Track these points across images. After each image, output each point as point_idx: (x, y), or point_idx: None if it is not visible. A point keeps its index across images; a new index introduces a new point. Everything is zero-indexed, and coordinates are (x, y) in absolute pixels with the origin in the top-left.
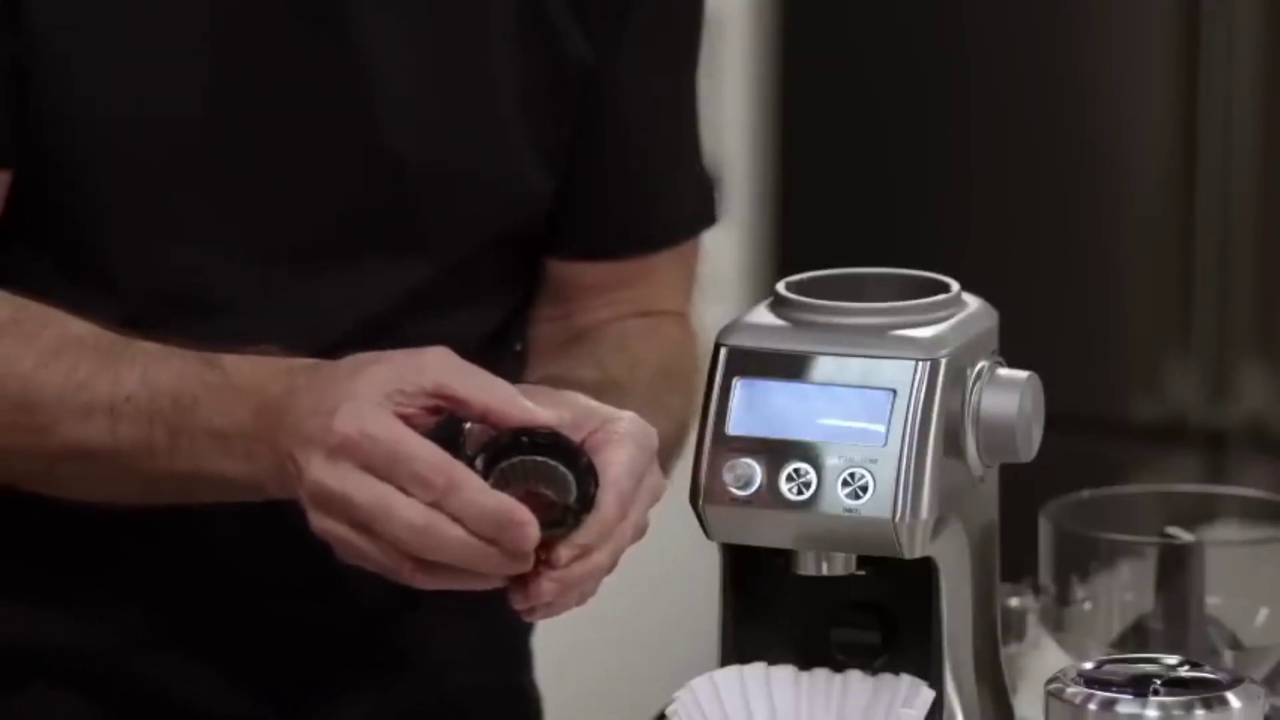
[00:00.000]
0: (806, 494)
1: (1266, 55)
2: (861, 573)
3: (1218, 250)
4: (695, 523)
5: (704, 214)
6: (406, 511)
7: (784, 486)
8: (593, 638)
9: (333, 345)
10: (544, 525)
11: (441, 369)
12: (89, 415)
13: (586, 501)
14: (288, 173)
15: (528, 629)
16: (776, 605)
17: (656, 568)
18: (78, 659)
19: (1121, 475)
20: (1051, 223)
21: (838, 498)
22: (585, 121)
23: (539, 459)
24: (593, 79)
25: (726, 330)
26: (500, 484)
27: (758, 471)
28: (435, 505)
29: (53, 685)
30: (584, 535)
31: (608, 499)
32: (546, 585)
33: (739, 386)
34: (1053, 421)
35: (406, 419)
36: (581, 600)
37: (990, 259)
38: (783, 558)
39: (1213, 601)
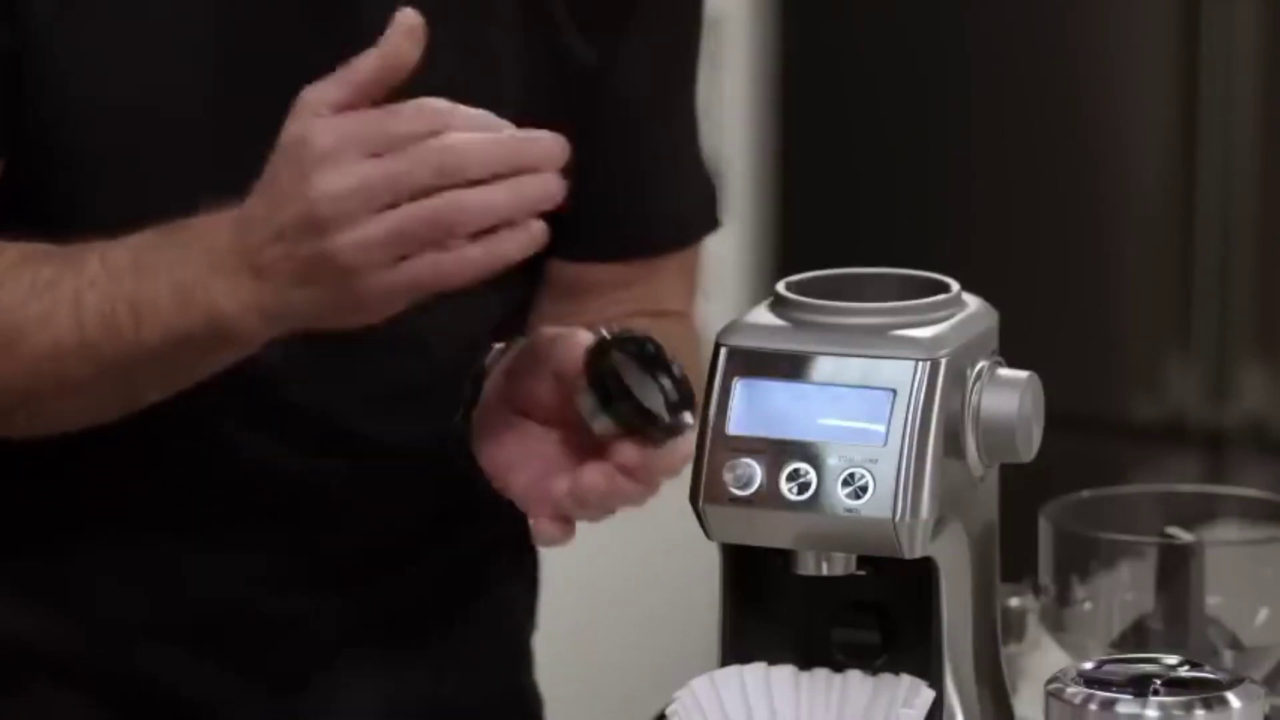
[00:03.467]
0: (806, 494)
1: (1266, 55)
2: (861, 573)
3: (1218, 250)
4: (695, 523)
5: (708, 218)
6: (419, 157)
7: (784, 486)
8: (593, 638)
9: (333, 338)
10: (633, 430)
11: (311, 90)
12: (55, 311)
13: (679, 417)
14: None
15: (529, 629)
16: (776, 605)
17: (656, 568)
18: (76, 657)
19: (1121, 475)
20: (1052, 223)
21: (838, 498)
22: (588, 125)
23: (637, 367)
24: (595, 82)
25: (726, 330)
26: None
27: (758, 471)
28: (445, 129)
29: (52, 684)
30: (664, 451)
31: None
32: (591, 477)
33: (739, 386)
34: (1053, 421)
35: None
36: (597, 517)
37: (990, 259)
38: (783, 557)
39: (1213, 601)
